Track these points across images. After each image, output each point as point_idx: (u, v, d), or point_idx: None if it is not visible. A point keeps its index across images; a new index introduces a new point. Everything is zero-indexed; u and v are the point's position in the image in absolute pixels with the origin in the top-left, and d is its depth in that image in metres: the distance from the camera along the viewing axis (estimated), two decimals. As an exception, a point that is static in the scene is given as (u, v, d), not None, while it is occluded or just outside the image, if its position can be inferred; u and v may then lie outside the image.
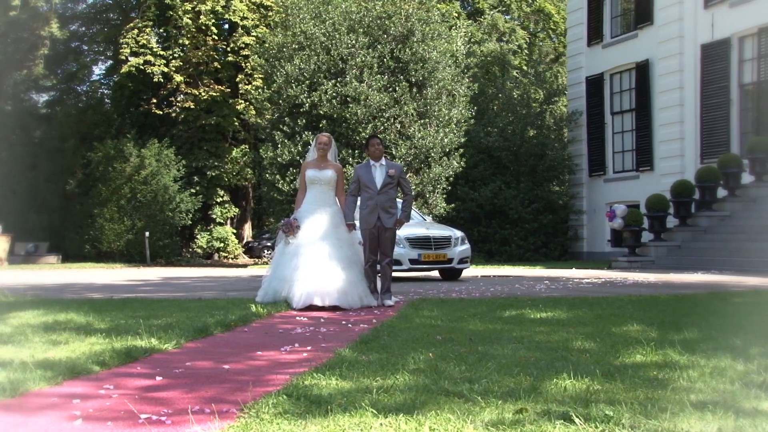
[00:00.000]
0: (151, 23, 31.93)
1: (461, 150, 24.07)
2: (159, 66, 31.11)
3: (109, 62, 36.54)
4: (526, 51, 40.62)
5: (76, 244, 31.46)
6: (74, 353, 5.04)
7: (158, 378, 4.41)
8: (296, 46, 23.63)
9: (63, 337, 5.81)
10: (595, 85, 26.25)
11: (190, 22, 30.76)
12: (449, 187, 24.03)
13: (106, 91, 37.73)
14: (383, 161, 9.26)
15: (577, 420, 3.05)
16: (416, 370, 4.31)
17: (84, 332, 6.10)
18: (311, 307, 8.35)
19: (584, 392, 3.63)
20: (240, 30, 32.01)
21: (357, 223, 9.15)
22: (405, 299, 9.67)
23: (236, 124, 33.22)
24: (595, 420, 3.09)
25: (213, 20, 31.31)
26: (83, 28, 37.45)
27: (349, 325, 6.95)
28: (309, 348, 5.48)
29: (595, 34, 26.37)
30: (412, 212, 17.70)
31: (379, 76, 22.88)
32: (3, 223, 28.68)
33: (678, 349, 4.84)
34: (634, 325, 6.24)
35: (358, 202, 9.23)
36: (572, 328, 6.15)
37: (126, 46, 31.03)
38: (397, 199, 9.53)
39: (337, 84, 22.68)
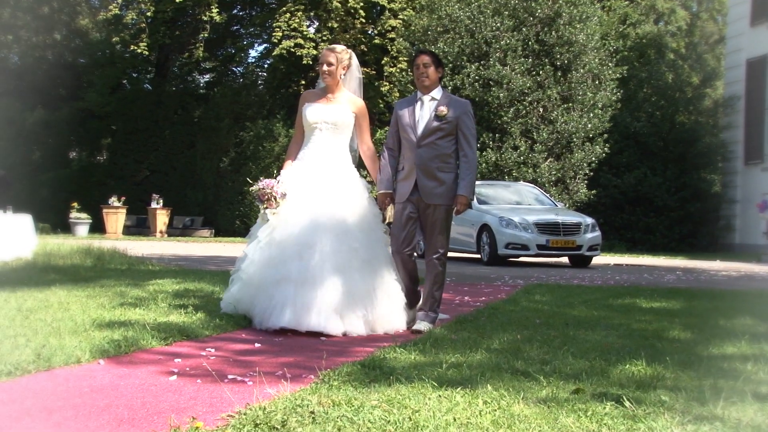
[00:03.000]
0: (303, 7, 32.95)
1: (605, 135, 23.48)
2: (309, 49, 32.09)
3: (264, 45, 37.99)
4: (686, 32, 38.90)
5: (228, 219, 33.02)
6: (191, 318, 5.47)
7: (257, 344, 4.76)
8: (441, 29, 23.78)
9: (188, 303, 6.25)
10: (756, 68, 24.85)
11: (339, 5, 31.54)
12: (591, 173, 23.51)
13: (260, 73, 39.27)
14: (438, 93, 5.70)
15: (627, 403, 3.10)
16: (496, 350, 4.44)
17: (208, 300, 6.56)
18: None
19: (649, 378, 3.65)
20: (387, 13, 32.51)
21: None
22: (523, 284, 9.65)
23: (381, 105, 33.79)
24: (647, 404, 3.13)
25: (361, 3, 31.97)
26: (241, 13, 39.10)
27: (453, 305, 7.09)
28: (403, 326, 5.68)
29: (760, 13, 24.86)
30: (541, 196, 16.91)
31: (523, 59, 22.66)
32: (164, 198, 30.54)
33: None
34: (747, 318, 6.04)
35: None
36: (677, 319, 6.04)
37: (279, 29, 32.21)
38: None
39: (480, 67, 22.65)
